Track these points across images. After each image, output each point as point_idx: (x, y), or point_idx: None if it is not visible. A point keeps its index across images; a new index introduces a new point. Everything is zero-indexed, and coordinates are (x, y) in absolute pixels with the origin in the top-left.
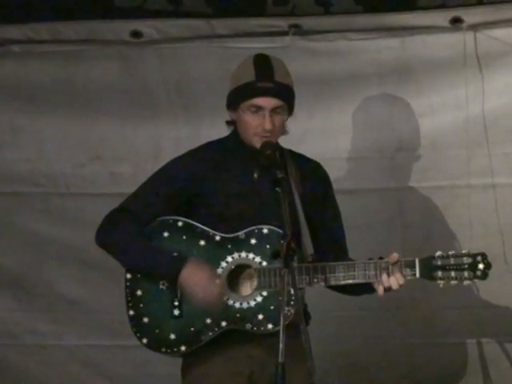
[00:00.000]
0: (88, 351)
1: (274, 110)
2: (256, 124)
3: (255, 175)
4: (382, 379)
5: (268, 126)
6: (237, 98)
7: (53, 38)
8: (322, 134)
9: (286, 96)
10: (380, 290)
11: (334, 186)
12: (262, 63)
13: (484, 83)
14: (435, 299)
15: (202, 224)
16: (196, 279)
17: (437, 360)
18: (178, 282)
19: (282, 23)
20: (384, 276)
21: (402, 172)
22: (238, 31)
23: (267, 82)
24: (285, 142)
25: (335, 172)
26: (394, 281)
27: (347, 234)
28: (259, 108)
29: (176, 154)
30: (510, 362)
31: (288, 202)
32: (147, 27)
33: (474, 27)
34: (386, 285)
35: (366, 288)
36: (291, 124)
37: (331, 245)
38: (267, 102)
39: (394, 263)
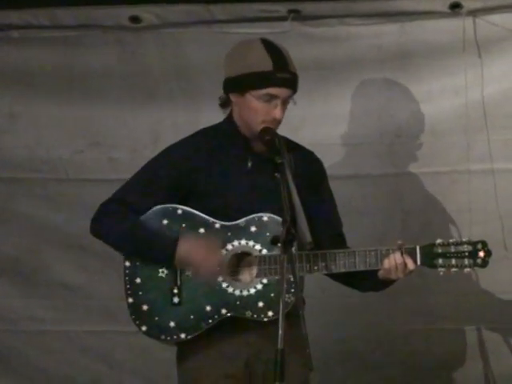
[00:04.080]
0: (87, 337)
1: (285, 99)
2: (266, 112)
3: (249, 164)
4: (381, 366)
5: (280, 115)
6: (250, 84)
7: (52, 24)
8: (321, 119)
9: (297, 86)
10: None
11: (334, 171)
12: (277, 52)
13: (483, 69)
14: (434, 285)
15: (198, 211)
16: (194, 251)
17: (436, 346)
18: (176, 260)
19: (281, 8)
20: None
21: (401, 158)
22: (237, 16)
23: (285, 72)
24: (284, 128)
25: (334, 158)
26: (393, 262)
27: (346, 220)
28: (273, 97)
29: (175, 139)
30: (509, 348)
31: (286, 188)
32: (146, 12)
33: (473, 13)
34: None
35: (371, 283)
36: (290, 110)
37: (328, 233)
38: (283, 92)
39: (397, 249)
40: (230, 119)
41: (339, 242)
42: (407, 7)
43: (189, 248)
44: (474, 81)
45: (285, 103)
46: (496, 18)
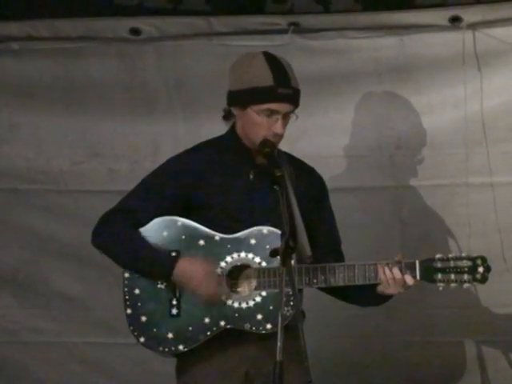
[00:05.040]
0: (86, 348)
1: (286, 114)
2: (267, 126)
3: (251, 176)
4: (380, 378)
5: (280, 130)
6: (251, 99)
7: (52, 35)
8: (320, 132)
9: (298, 101)
10: (383, 279)
11: (333, 184)
12: (278, 67)
13: (482, 82)
14: (433, 298)
15: (199, 224)
16: (190, 274)
17: (435, 359)
18: (173, 280)
19: (281, 21)
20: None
21: (400, 170)
22: (237, 29)
23: (286, 88)
24: (284, 140)
25: (334, 170)
26: (391, 276)
27: (346, 231)
28: (274, 112)
29: (175, 151)
30: (508, 361)
31: (286, 201)
32: (146, 25)
33: (473, 26)
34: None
35: (370, 297)
36: (289, 122)
37: (326, 250)
38: (284, 108)
39: (396, 263)
40: (232, 131)
41: (337, 259)
42: (407, 20)
43: (187, 268)
44: (474, 94)
45: (286, 118)
46: (496, 31)
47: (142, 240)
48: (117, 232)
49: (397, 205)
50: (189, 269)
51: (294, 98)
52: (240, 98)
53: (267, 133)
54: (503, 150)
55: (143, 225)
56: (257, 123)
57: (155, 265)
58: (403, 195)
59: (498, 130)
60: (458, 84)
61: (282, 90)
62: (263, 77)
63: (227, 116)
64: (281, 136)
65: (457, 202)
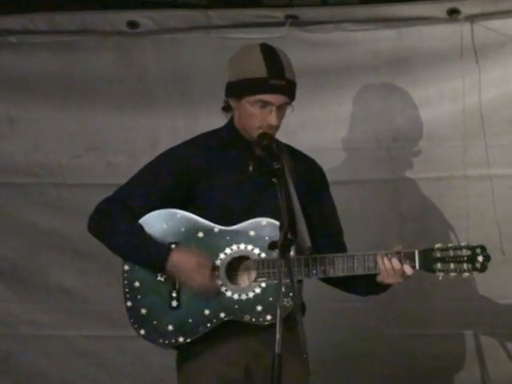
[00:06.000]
0: (84, 341)
1: (280, 106)
2: (261, 118)
3: (250, 167)
4: (379, 370)
5: (275, 121)
6: (245, 90)
7: (50, 29)
8: (318, 124)
9: (294, 93)
10: (382, 268)
11: (331, 176)
12: (273, 58)
13: (481, 74)
14: (432, 290)
15: (198, 216)
16: (183, 265)
17: (434, 351)
18: (168, 270)
19: (279, 14)
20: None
21: (398, 163)
22: (235, 22)
23: (279, 79)
24: (282, 132)
25: (332, 163)
26: (389, 266)
27: (344, 224)
28: (267, 103)
29: (173, 144)
30: (507, 353)
31: (284, 193)
32: (144, 18)
33: (471, 18)
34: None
35: (370, 286)
36: (287, 115)
37: (328, 242)
38: (277, 99)
39: (395, 253)
40: (230, 123)
41: (339, 250)
42: (405, 13)
43: (180, 259)
44: (472, 86)
45: (281, 110)
46: (494, 23)
47: (138, 230)
48: (114, 221)
49: (395, 197)
50: (181, 260)
51: (288, 90)
52: (235, 90)
53: (261, 124)
54: (501, 142)
55: (139, 214)
56: (251, 114)
57: (150, 255)
58: (401, 188)
59: (496, 122)
60: (456, 77)
61: (276, 81)
62: (257, 68)
63: (226, 108)
64: (276, 128)
65: (455, 195)
